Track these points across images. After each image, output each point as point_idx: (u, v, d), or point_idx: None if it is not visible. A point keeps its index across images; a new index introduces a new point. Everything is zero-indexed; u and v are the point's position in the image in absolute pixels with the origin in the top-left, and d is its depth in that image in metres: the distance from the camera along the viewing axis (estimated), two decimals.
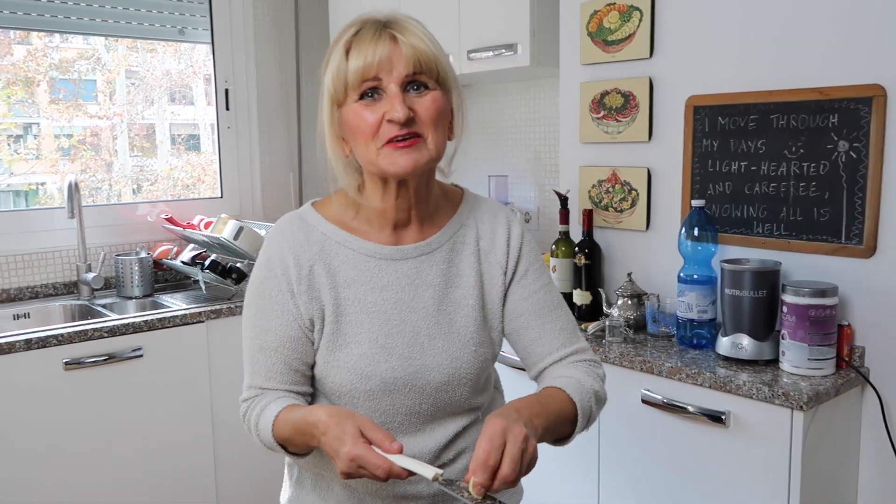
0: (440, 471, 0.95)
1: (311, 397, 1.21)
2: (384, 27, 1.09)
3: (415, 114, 1.07)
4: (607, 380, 1.25)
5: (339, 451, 0.96)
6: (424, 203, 1.19)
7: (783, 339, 1.74)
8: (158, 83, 3.16)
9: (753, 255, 1.93)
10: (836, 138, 1.78)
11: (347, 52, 1.08)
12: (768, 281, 1.78)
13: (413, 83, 1.08)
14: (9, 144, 2.85)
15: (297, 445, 1.10)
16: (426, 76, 1.08)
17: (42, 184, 2.94)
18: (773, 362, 1.78)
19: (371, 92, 1.08)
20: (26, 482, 2.18)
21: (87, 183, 2.96)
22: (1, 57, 2.76)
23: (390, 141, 1.07)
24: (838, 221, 1.79)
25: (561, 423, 1.11)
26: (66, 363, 2.22)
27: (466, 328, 1.18)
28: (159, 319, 2.39)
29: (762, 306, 1.78)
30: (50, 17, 2.73)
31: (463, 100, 1.17)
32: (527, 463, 0.95)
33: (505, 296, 1.22)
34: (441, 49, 1.12)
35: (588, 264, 2.23)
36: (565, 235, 2.32)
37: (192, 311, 2.48)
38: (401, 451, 0.96)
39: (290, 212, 1.23)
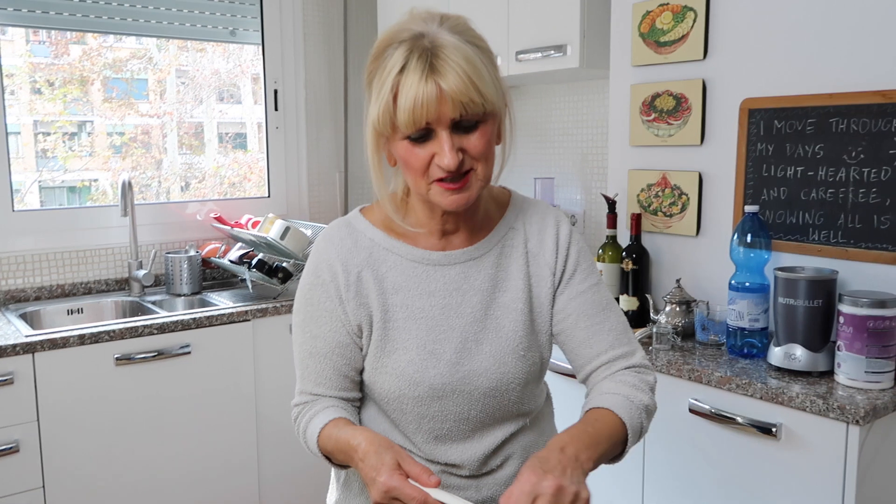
0: None
1: (361, 402, 1.21)
2: (430, 70, 1.02)
3: (464, 152, 1.06)
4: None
5: (376, 479, 0.97)
6: (472, 216, 1.19)
7: (839, 350, 1.68)
8: (207, 82, 3.21)
9: (809, 262, 1.88)
10: None
11: (395, 93, 1.04)
12: (824, 290, 1.73)
13: (462, 121, 1.05)
14: (64, 142, 2.92)
15: (339, 460, 1.12)
16: (472, 117, 1.05)
17: (95, 180, 3.01)
18: (828, 374, 1.72)
19: (419, 136, 1.06)
20: (77, 473, 2.23)
21: (137, 180, 3.02)
22: (58, 57, 2.84)
23: (440, 180, 1.07)
24: None
25: (612, 447, 1.09)
26: (118, 358, 2.26)
27: (515, 332, 1.17)
28: (207, 317, 2.42)
29: (817, 316, 1.73)
30: (106, 19, 2.79)
31: (511, 109, 1.14)
32: None
33: (553, 297, 1.21)
34: (486, 70, 1.05)
35: (635, 269, 2.19)
36: (612, 240, 2.28)
37: (238, 309, 2.51)
38: (437, 486, 0.97)
39: (337, 218, 1.23)
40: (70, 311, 2.65)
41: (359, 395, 1.20)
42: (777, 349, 1.77)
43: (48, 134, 2.87)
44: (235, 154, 3.32)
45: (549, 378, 1.35)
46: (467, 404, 1.15)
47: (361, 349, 1.17)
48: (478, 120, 1.06)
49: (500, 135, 1.14)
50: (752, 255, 1.88)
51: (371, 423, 1.20)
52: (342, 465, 1.14)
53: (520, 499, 0.93)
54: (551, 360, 1.28)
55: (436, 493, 0.95)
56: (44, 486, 2.18)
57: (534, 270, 1.20)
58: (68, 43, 2.85)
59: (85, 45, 2.88)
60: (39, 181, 2.86)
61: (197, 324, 2.40)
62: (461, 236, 1.19)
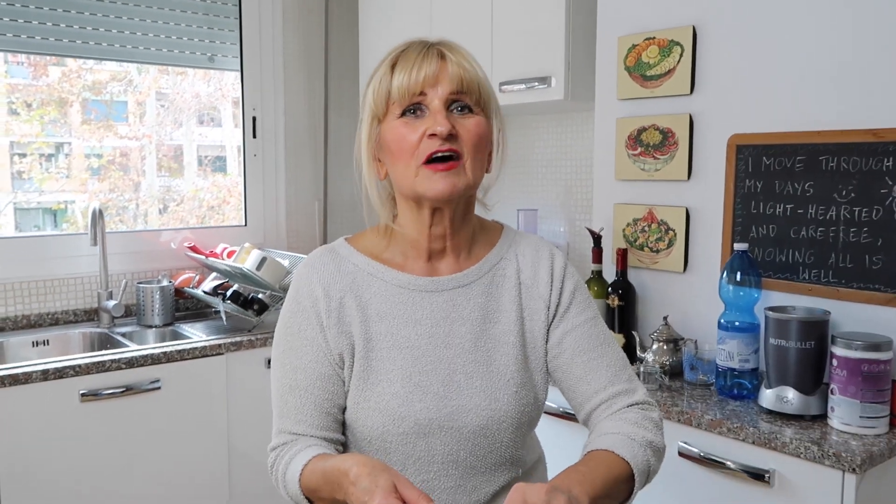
0: None
1: (344, 447, 1.13)
2: (433, 45, 1.08)
3: (456, 133, 1.05)
4: None
5: None
6: (460, 233, 1.14)
7: (832, 393, 1.63)
8: (187, 105, 3.15)
9: (799, 302, 1.84)
10: (890, 182, 1.69)
11: (393, 67, 1.07)
12: (816, 331, 1.69)
13: (457, 103, 1.06)
14: (41, 163, 2.85)
15: (324, 499, 1.01)
16: (470, 98, 1.06)
17: (72, 202, 2.94)
18: (821, 418, 1.68)
19: (414, 108, 1.06)
20: None
21: (114, 202, 2.96)
22: (36, 78, 2.77)
23: (430, 161, 1.04)
24: (892, 270, 1.69)
25: (614, 486, 1.00)
26: (83, 394, 2.17)
27: (507, 367, 1.11)
28: (178, 351, 2.33)
29: (809, 358, 1.69)
30: (81, 44, 2.72)
31: (503, 133, 1.13)
32: None
33: (548, 331, 1.15)
34: (487, 77, 1.10)
35: (622, 305, 2.15)
36: (598, 275, 2.23)
37: (211, 342, 2.42)
38: None
39: (322, 246, 1.19)
40: (35, 343, 2.54)
41: (342, 438, 1.12)
42: (768, 391, 1.72)
43: (24, 155, 2.79)
44: (215, 177, 3.25)
45: (547, 422, 1.28)
46: (456, 444, 1.08)
47: (344, 382, 1.10)
48: (473, 110, 1.07)
49: (490, 159, 1.13)
50: (741, 293, 1.84)
51: None
52: None
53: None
54: (547, 401, 1.22)
55: None
56: None
57: (527, 303, 1.15)
58: (47, 65, 2.79)
59: (64, 67, 2.82)
60: (14, 202, 2.78)
61: (167, 358, 2.31)
62: (449, 262, 1.14)
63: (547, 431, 1.28)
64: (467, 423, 1.08)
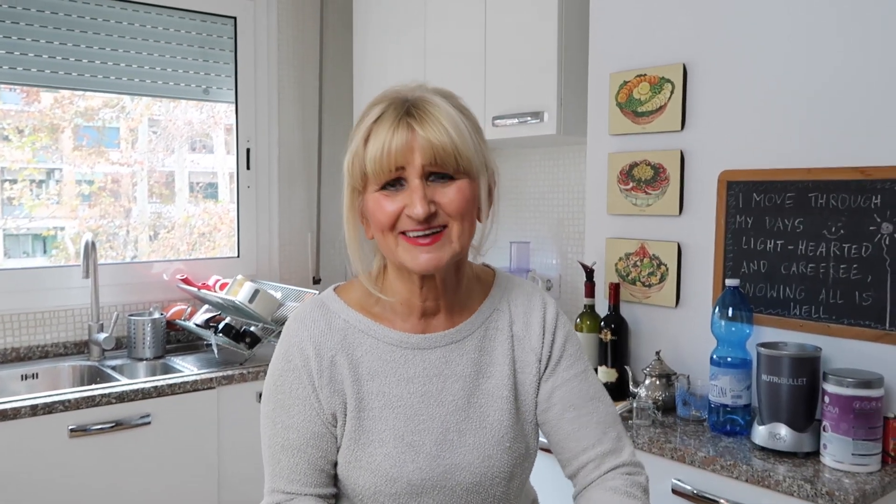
0: None
1: (335, 499, 1.12)
2: (406, 115, 1.00)
3: (437, 205, 1.00)
4: None
5: None
6: (454, 292, 1.12)
7: (825, 430, 1.63)
8: (180, 132, 3.16)
9: (791, 337, 1.84)
10: (878, 220, 1.70)
11: (367, 138, 1.01)
12: (808, 368, 1.69)
13: (434, 175, 1.01)
14: (31, 190, 2.84)
15: None
16: (448, 167, 1.00)
17: (61, 228, 2.93)
18: (813, 455, 1.67)
19: (392, 182, 1.01)
20: None
21: (105, 228, 2.95)
22: (28, 104, 2.78)
23: (410, 236, 1.01)
24: (882, 306, 1.70)
25: None
26: (72, 430, 2.14)
27: (500, 423, 1.09)
28: (169, 385, 2.31)
29: (801, 394, 1.69)
30: (76, 76, 2.74)
31: (495, 181, 1.09)
32: None
33: (539, 384, 1.14)
34: (468, 132, 1.03)
35: (614, 340, 2.15)
36: (590, 309, 2.24)
37: (202, 376, 2.40)
38: None
39: (311, 298, 1.17)
40: (24, 377, 2.52)
41: (334, 491, 1.11)
42: (761, 428, 1.72)
43: (15, 181, 2.79)
44: (206, 204, 3.25)
45: (540, 458, 1.27)
46: (448, 501, 1.07)
47: (336, 439, 1.09)
48: (453, 174, 1.01)
49: (479, 211, 1.08)
50: (733, 328, 1.84)
51: None
52: None
53: None
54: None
55: None
56: None
57: (519, 355, 1.13)
58: (39, 91, 2.79)
59: (56, 93, 2.83)
60: (4, 229, 2.77)
61: (158, 392, 2.29)
62: (441, 318, 1.12)
63: (540, 466, 1.27)
64: (460, 481, 1.07)
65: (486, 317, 1.14)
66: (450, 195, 1.01)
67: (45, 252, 2.88)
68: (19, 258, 2.83)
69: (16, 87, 2.71)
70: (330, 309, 1.12)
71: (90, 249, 2.61)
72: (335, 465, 1.10)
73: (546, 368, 1.14)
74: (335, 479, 1.11)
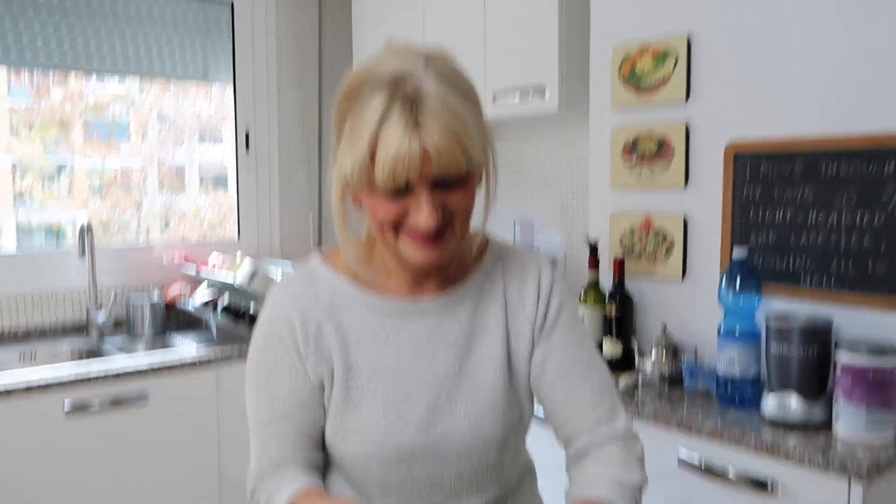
0: None
1: (325, 466, 1.10)
2: (415, 124, 0.92)
3: (443, 206, 0.96)
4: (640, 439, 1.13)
5: None
6: (447, 258, 1.06)
7: (837, 401, 1.60)
8: (189, 125, 3.14)
9: (801, 308, 1.81)
10: (891, 188, 1.67)
11: (373, 148, 0.93)
12: (819, 338, 1.66)
13: (441, 184, 0.95)
14: (43, 183, 2.82)
15: None
16: (454, 175, 0.95)
17: (73, 222, 2.91)
18: (825, 426, 1.64)
19: (398, 190, 0.95)
20: None
21: (116, 220, 2.95)
22: (38, 100, 2.77)
23: (414, 234, 0.97)
24: (895, 274, 1.67)
25: None
26: (68, 409, 2.11)
27: (493, 390, 1.06)
28: (167, 365, 2.28)
29: (812, 365, 1.65)
30: (73, 58, 2.70)
31: (496, 160, 1.04)
32: None
33: (532, 350, 1.10)
34: (473, 125, 0.96)
35: (619, 315, 2.11)
36: (595, 284, 2.20)
37: (201, 355, 2.37)
38: None
39: (297, 265, 1.12)
40: (22, 357, 2.49)
41: (322, 458, 1.08)
42: (771, 399, 1.69)
43: (25, 173, 2.78)
44: (216, 193, 3.23)
45: (536, 429, 1.24)
46: (440, 468, 1.04)
47: (325, 408, 1.06)
48: (461, 178, 0.96)
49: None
50: (741, 300, 1.81)
51: (332, 491, 1.09)
52: None
53: None
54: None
55: None
56: None
57: (513, 323, 1.10)
58: (50, 85, 2.76)
59: (66, 88, 2.81)
60: (17, 223, 2.75)
61: (155, 371, 2.26)
62: (433, 282, 1.08)
63: (537, 437, 1.24)
64: (452, 448, 1.04)
65: (480, 283, 1.11)
66: (457, 197, 0.97)
67: (57, 247, 2.86)
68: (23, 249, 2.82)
69: (25, 84, 2.69)
70: (317, 276, 1.08)
71: (86, 231, 2.58)
72: (323, 432, 1.07)
73: (540, 334, 1.10)
74: (323, 447, 1.08)
